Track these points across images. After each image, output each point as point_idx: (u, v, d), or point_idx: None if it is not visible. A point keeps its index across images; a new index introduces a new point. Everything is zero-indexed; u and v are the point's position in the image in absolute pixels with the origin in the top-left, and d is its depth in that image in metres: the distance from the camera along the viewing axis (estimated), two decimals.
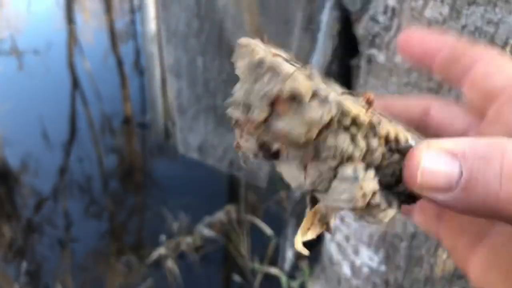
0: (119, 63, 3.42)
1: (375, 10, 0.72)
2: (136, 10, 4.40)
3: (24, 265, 1.86)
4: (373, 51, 0.74)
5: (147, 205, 2.20)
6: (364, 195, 0.23)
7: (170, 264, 1.79)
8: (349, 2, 0.75)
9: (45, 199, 2.24)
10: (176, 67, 1.03)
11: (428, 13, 0.64)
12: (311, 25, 0.84)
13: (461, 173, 0.22)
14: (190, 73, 1.00)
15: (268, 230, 1.82)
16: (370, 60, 0.74)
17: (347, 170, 0.23)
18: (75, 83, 3.18)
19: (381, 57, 0.72)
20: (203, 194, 2.20)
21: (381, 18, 0.71)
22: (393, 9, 0.69)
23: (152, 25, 1.09)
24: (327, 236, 0.91)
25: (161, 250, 1.82)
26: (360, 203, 0.23)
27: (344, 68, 0.81)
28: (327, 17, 0.80)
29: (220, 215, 1.93)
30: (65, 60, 3.43)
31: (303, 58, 0.87)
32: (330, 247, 0.91)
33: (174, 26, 0.98)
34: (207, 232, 1.86)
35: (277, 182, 1.44)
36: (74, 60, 3.46)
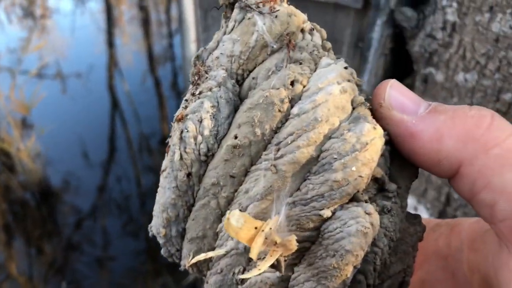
0: (157, 84, 3.49)
1: (433, 26, 0.69)
2: (173, 34, 4.52)
3: (64, 284, 1.88)
4: (430, 70, 0.70)
5: None
6: None
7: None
8: (404, 18, 0.72)
9: (84, 218, 2.28)
10: None
11: (495, 27, 0.60)
12: (360, 43, 0.82)
13: (429, 103, 0.23)
14: None
15: None
16: (426, 79, 0.71)
17: None
18: (115, 104, 3.27)
19: (439, 76, 0.69)
20: None
21: (440, 35, 0.68)
22: (454, 24, 0.66)
23: (192, 47, 1.11)
24: None
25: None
26: None
27: None
28: (378, 34, 0.77)
29: None
30: (105, 82, 3.54)
31: None
32: None
33: None
34: None
35: None
36: (114, 82, 3.57)
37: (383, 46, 0.78)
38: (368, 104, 0.26)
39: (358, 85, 0.26)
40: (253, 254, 0.23)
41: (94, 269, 1.99)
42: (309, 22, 0.28)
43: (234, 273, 0.26)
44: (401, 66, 0.78)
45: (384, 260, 0.25)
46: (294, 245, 0.23)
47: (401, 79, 0.80)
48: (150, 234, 0.29)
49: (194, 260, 0.26)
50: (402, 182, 0.27)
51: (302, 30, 0.27)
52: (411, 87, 0.76)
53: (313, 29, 0.28)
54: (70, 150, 2.69)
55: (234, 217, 0.23)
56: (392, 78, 0.27)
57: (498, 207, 0.22)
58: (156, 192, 0.29)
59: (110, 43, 4.26)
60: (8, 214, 2.35)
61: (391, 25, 0.76)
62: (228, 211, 0.25)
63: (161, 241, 0.28)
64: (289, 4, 0.28)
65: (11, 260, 2.03)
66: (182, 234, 0.28)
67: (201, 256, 0.26)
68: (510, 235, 0.22)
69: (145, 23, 4.83)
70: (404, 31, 0.74)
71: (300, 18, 0.27)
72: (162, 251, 0.29)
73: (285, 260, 0.24)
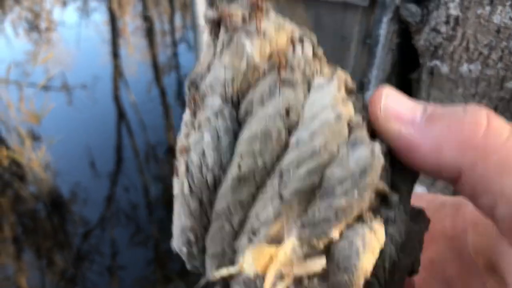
0: (162, 94, 3.52)
1: (437, 20, 0.69)
2: (177, 43, 4.56)
3: None
4: (436, 63, 0.70)
5: None
6: None
7: None
8: (409, 14, 0.72)
9: (93, 228, 2.28)
10: None
11: (496, 19, 0.60)
12: (368, 40, 0.82)
13: (425, 109, 0.23)
14: None
15: None
16: (432, 72, 0.71)
17: None
18: (121, 115, 3.28)
19: (444, 68, 0.69)
20: None
21: (444, 28, 0.68)
22: (457, 18, 0.65)
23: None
24: None
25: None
26: None
27: (404, 82, 0.78)
28: (385, 31, 0.77)
29: None
30: (111, 93, 3.57)
31: (360, 73, 0.84)
32: None
33: None
34: None
35: None
36: (119, 92, 3.60)
37: (390, 42, 0.79)
38: (365, 116, 0.26)
39: (351, 91, 0.27)
40: (267, 285, 0.24)
41: (105, 279, 1.99)
42: (297, 29, 0.27)
43: None
44: (407, 60, 0.79)
45: (393, 261, 0.26)
46: (319, 267, 0.24)
47: (408, 73, 0.81)
48: (174, 251, 0.30)
49: (217, 276, 0.27)
50: (404, 186, 0.27)
51: (292, 42, 0.27)
52: (418, 80, 0.77)
53: (303, 38, 0.27)
54: (78, 161, 2.70)
55: (247, 262, 0.25)
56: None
57: (498, 210, 0.22)
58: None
59: (115, 54, 4.31)
60: (17, 225, 2.36)
61: (397, 21, 0.76)
62: (240, 250, 0.26)
63: (184, 257, 0.29)
64: (276, 12, 0.27)
65: (21, 272, 2.04)
66: (203, 251, 0.28)
67: (223, 272, 0.26)
68: (509, 233, 0.23)
69: (149, 33, 4.88)
70: (410, 27, 0.74)
71: (288, 29, 0.27)
72: (188, 266, 0.30)
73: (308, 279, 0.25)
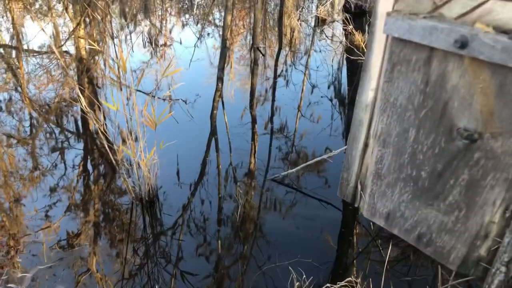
0: (253, 121, 3.69)
1: None
2: (277, 77, 4.76)
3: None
4: None
5: (253, 255, 2.24)
6: None
7: None
8: None
9: (165, 232, 2.43)
10: (385, 135, 1.07)
11: None
12: None
13: None
14: (399, 143, 1.03)
15: None
16: None
17: None
18: (213, 132, 3.50)
19: None
20: (311, 255, 2.17)
21: None
22: None
23: (369, 95, 1.17)
24: None
25: None
26: None
27: None
28: None
29: (342, 285, 1.88)
30: (208, 111, 3.83)
31: None
32: None
33: (394, 98, 1.04)
34: None
35: (471, 266, 1.30)
36: (216, 112, 3.85)
37: None
38: None
39: None
40: None
41: (165, 281, 2.10)
42: None
43: None
44: None
45: None
46: None
47: None
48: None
49: None
50: None
51: None
52: None
53: None
54: (168, 167, 2.92)
55: None
56: None
57: None
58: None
59: (219, 78, 4.62)
60: (103, 213, 2.59)
61: None
62: None
63: None
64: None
65: (94, 256, 2.23)
66: None
67: None
68: None
69: (254, 63, 5.16)
70: None
71: None
72: None
73: None
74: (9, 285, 1.95)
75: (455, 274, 1.81)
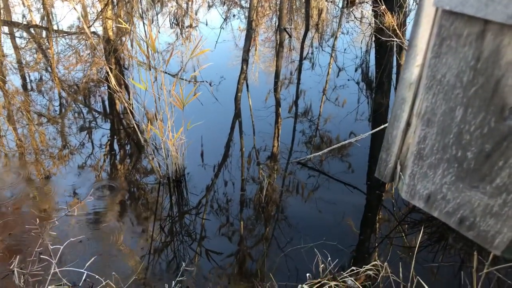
0: (277, 104, 3.67)
1: None
2: (303, 59, 4.70)
3: (183, 265, 2.06)
4: None
5: (275, 237, 2.26)
6: None
7: None
8: None
9: (188, 211, 2.47)
10: (429, 114, 1.05)
11: None
12: None
13: None
14: (444, 122, 1.01)
15: None
16: None
17: None
18: (237, 115, 3.51)
19: None
20: (335, 238, 2.18)
21: None
22: None
23: (414, 72, 1.14)
24: None
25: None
26: None
27: None
28: None
29: (367, 269, 1.88)
30: (233, 93, 3.83)
31: None
32: None
33: (441, 75, 1.02)
34: (351, 283, 1.82)
35: None
36: (240, 95, 3.85)
37: None
38: None
39: None
40: None
41: (188, 259, 2.14)
42: None
43: None
44: None
45: None
46: None
47: None
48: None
49: None
50: None
51: None
52: None
53: None
54: (193, 148, 2.95)
55: None
56: None
57: None
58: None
59: (244, 59, 4.60)
60: (131, 193, 2.65)
61: None
62: None
63: None
64: None
65: (121, 231, 2.29)
66: None
67: None
68: None
69: (279, 45, 5.11)
70: None
71: None
72: None
73: None
74: (42, 256, 2.04)
75: (490, 262, 1.78)
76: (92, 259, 2.03)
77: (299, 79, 4.24)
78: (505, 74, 0.93)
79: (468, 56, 0.99)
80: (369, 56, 4.97)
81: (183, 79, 4.07)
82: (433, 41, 1.06)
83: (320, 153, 2.90)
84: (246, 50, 4.88)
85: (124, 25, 2.62)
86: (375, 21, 5.95)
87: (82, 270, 1.91)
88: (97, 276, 1.92)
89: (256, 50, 5.03)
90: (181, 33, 5.59)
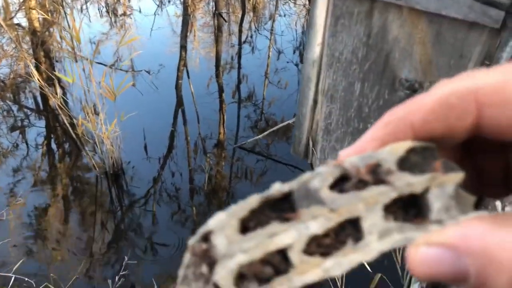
0: (220, 90, 3.64)
1: None
2: (242, 44, 4.69)
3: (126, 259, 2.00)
4: None
5: None
6: None
7: None
8: None
9: (136, 202, 2.41)
10: (332, 91, 1.08)
11: None
12: (488, 61, 0.83)
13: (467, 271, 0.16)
14: (345, 97, 1.04)
15: None
16: None
17: None
18: (179, 103, 3.44)
19: None
20: None
21: None
22: None
23: (316, 51, 1.17)
24: None
25: None
26: None
27: None
28: (508, 54, 0.78)
29: None
30: (173, 82, 3.74)
31: None
32: None
33: (339, 52, 1.05)
34: None
35: None
36: (181, 82, 3.77)
37: None
38: None
39: None
40: None
41: (141, 251, 2.10)
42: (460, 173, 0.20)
43: None
44: None
45: None
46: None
47: None
48: None
49: None
50: None
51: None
52: None
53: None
54: (133, 140, 2.86)
55: None
56: None
57: None
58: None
59: (183, 46, 4.50)
60: (71, 187, 2.54)
61: None
62: None
63: None
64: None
65: (67, 230, 2.20)
66: None
67: None
68: None
69: (217, 30, 5.05)
70: None
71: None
72: None
73: None
74: None
75: None
76: (20, 261, 1.93)
77: (239, 63, 4.23)
78: (392, 48, 0.98)
79: (360, 33, 1.04)
80: (305, 37, 5.04)
81: (118, 69, 3.92)
82: (329, 20, 1.09)
83: (261, 135, 2.93)
84: (184, 36, 4.78)
85: (47, 16, 2.46)
86: (308, 1, 6.04)
87: (10, 274, 1.81)
88: (26, 279, 1.83)
89: (195, 36, 4.94)
90: (115, 22, 5.35)
